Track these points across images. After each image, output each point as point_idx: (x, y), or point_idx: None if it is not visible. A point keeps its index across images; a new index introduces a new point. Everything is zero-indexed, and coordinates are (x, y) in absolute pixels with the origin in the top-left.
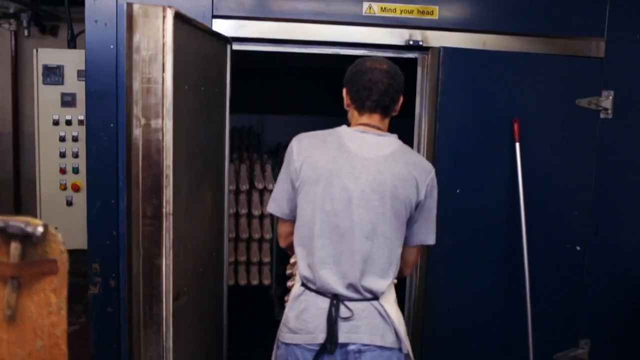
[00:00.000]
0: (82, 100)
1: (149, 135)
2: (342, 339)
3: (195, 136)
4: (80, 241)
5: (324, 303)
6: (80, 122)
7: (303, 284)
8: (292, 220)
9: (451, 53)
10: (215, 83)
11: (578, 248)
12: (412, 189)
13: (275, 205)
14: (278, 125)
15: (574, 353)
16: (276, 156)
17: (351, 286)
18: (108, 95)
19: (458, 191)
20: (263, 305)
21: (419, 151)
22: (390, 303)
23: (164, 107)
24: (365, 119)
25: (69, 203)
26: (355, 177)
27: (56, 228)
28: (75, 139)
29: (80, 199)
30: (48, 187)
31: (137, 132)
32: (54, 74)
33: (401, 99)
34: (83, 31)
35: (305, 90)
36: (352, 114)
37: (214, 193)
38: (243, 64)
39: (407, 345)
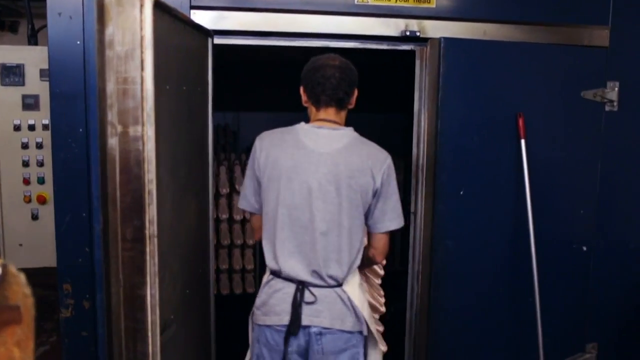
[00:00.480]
0: (46, 102)
1: (127, 144)
2: (304, 321)
3: (178, 143)
4: (49, 258)
5: (290, 288)
6: (45, 127)
7: (272, 272)
8: (258, 214)
9: (452, 44)
10: (197, 81)
11: (584, 248)
12: (368, 178)
13: (245, 201)
14: (254, 122)
15: (582, 358)
16: None
17: (315, 273)
18: (76, 97)
19: (462, 192)
20: (247, 315)
21: (418, 150)
22: (353, 287)
23: (143, 111)
24: (322, 114)
25: (35, 217)
26: (313, 171)
27: (21, 245)
28: (39, 146)
29: (47, 212)
30: (11, 200)
31: (113, 142)
32: (13, 73)
33: (356, 93)
34: (45, 26)
35: (283, 84)
36: (310, 110)
37: (198, 203)
38: (217, 58)
39: (369, 328)
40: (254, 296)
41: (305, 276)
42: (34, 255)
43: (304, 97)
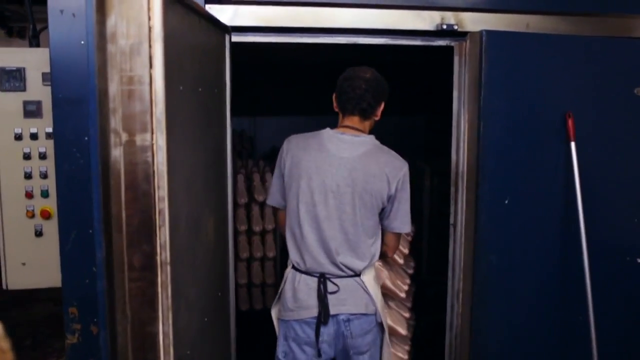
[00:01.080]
0: (50, 109)
1: (134, 156)
2: (332, 311)
3: (194, 153)
4: (55, 278)
5: (313, 282)
6: (49, 136)
7: (293, 267)
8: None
9: (496, 38)
10: (214, 82)
11: (639, 260)
12: (383, 184)
13: (272, 198)
14: (272, 127)
15: None
16: (272, 161)
17: (334, 265)
18: (80, 102)
19: (507, 202)
20: (269, 331)
21: (458, 155)
22: (369, 279)
23: (153, 116)
24: (347, 121)
25: (39, 233)
26: (333, 173)
27: (24, 264)
28: (42, 157)
29: (52, 228)
30: (12, 215)
31: (117, 153)
32: (13, 78)
33: (382, 106)
34: (47, 26)
35: (301, 88)
36: (339, 116)
37: (216, 218)
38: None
39: (381, 316)
40: None
41: (325, 268)
42: (39, 275)
43: (334, 104)
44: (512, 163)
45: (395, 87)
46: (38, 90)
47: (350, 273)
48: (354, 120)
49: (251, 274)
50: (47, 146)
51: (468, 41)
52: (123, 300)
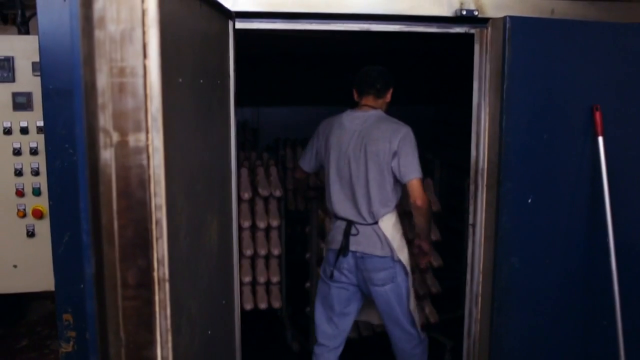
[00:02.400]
0: (41, 101)
1: (127, 159)
2: (352, 248)
3: (195, 152)
4: (49, 281)
5: (343, 225)
6: (40, 130)
7: (334, 215)
8: (308, 173)
9: (521, 24)
10: (217, 73)
11: None
12: (386, 144)
13: (303, 162)
14: (276, 118)
15: None
16: (276, 153)
17: (358, 214)
18: (72, 94)
19: (530, 200)
20: (274, 331)
21: (478, 151)
22: (387, 225)
23: (148, 113)
24: (363, 100)
25: (31, 234)
26: (349, 143)
27: (15, 266)
28: (34, 152)
29: (45, 228)
30: (2, 214)
31: (107, 155)
32: (1, 67)
33: (390, 90)
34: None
35: (305, 78)
36: (357, 101)
37: (220, 220)
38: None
39: (397, 255)
40: (279, 310)
41: (352, 216)
42: (31, 278)
43: (355, 95)
44: (536, 159)
45: (402, 77)
46: (28, 81)
47: (370, 221)
48: (369, 99)
49: (255, 271)
50: (38, 141)
51: (490, 28)
52: (116, 320)
